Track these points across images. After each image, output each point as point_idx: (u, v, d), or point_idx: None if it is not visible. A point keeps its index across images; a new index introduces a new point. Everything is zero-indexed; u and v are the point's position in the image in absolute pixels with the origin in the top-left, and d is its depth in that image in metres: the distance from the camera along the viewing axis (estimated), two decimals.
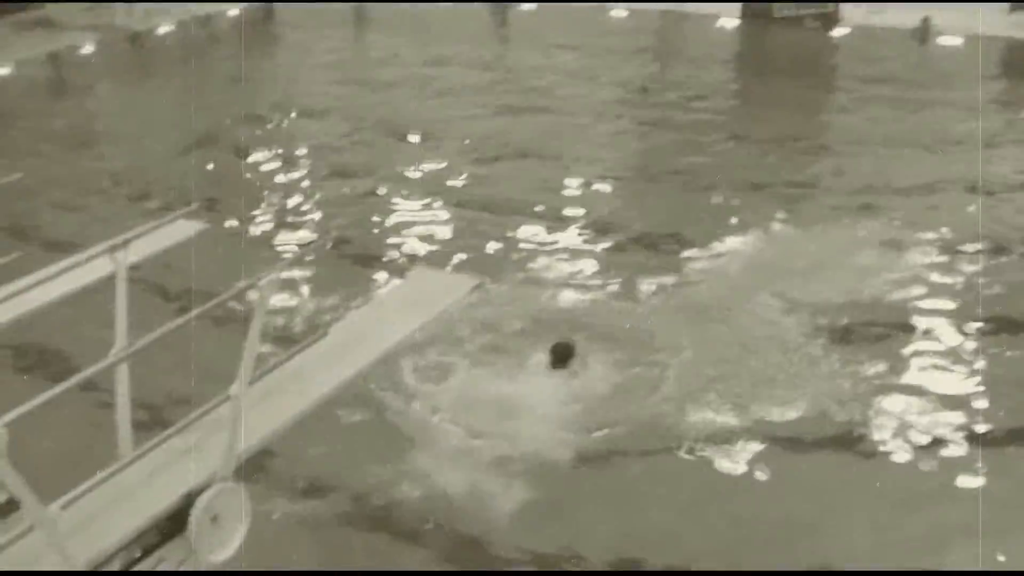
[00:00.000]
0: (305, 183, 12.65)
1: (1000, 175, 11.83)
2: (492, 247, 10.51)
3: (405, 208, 11.73)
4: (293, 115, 15.44)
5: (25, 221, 11.41)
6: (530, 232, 10.94)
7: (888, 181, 11.87)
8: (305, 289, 9.65)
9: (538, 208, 11.51)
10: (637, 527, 6.62)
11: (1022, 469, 7.07)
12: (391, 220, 11.44)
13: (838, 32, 18.76)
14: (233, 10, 21.43)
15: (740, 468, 7.07)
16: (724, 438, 7.31)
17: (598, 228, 11.01)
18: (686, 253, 10.19)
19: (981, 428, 7.37)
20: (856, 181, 11.91)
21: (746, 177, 12.16)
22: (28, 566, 3.75)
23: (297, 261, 10.21)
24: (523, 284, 9.74)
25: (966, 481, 6.90)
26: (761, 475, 7.00)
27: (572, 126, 14.43)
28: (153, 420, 6.46)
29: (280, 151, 13.86)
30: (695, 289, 9.50)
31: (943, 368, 8.14)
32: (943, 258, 9.89)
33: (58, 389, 3.71)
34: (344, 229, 11.14)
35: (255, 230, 11.28)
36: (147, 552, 4.05)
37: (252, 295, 4.28)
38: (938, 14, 17.86)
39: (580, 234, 10.90)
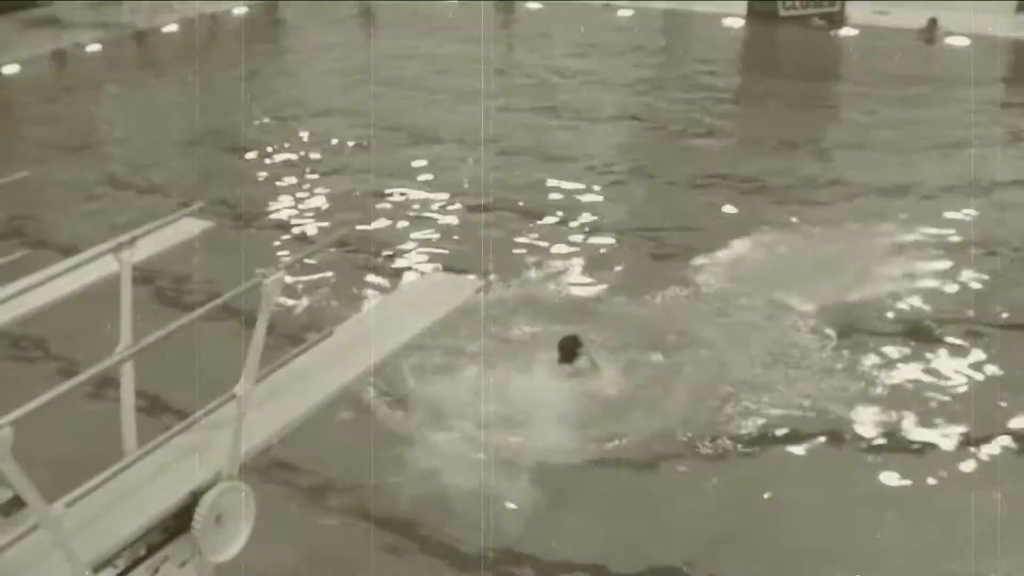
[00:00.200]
0: (311, 182, 12.65)
1: (1007, 176, 11.80)
2: (499, 247, 10.50)
3: (412, 208, 11.72)
4: (299, 113, 15.44)
5: (30, 219, 11.43)
6: (537, 232, 10.94)
7: (894, 181, 11.86)
8: (310, 288, 9.66)
9: (544, 208, 11.51)
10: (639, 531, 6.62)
11: None
12: (397, 220, 11.43)
13: (844, 32, 18.74)
14: (239, 8, 21.47)
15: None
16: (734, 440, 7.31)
17: (605, 228, 11.01)
18: (695, 258, 10.14)
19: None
20: (862, 181, 11.89)
21: (751, 177, 12.14)
22: (33, 564, 3.75)
23: (302, 260, 10.20)
24: (529, 284, 9.74)
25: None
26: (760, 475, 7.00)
27: (578, 125, 14.43)
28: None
29: (286, 149, 13.87)
30: (697, 290, 9.50)
31: (946, 370, 8.13)
32: (946, 260, 9.87)
33: (63, 387, 3.70)
34: (350, 228, 11.13)
35: (261, 228, 11.28)
36: (152, 550, 4.05)
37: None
38: (943, 14, 17.84)
39: (588, 234, 10.90)
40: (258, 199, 12.09)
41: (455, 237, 10.96)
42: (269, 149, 13.88)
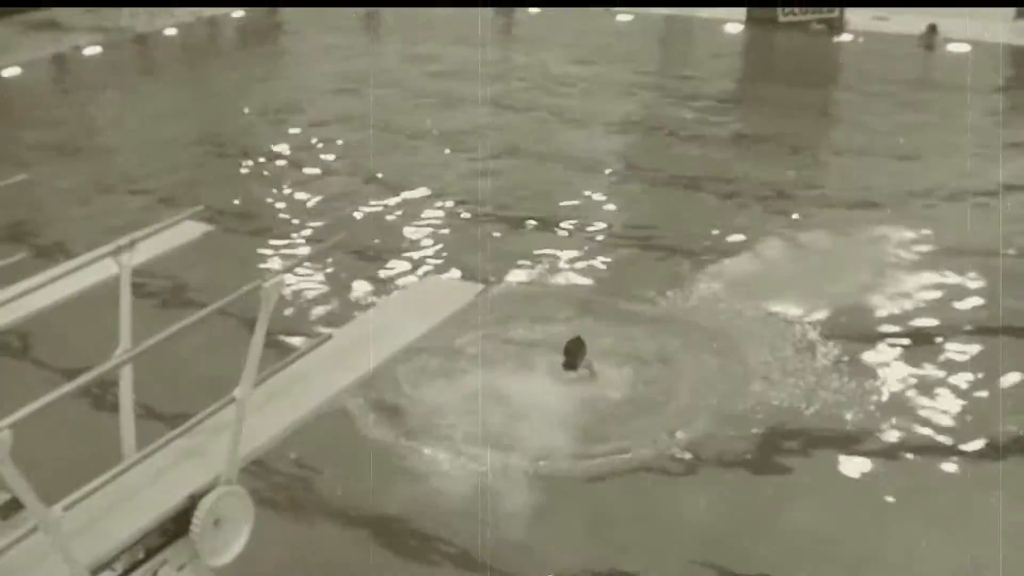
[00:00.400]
0: (311, 185, 12.64)
1: (1007, 182, 11.81)
2: (500, 251, 10.50)
3: (412, 211, 11.72)
4: (298, 117, 15.44)
5: (29, 222, 11.42)
6: (539, 236, 10.94)
7: (894, 187, 11.86)
8: (310, 292, 9.65)
9: (547, 211, 11.51)
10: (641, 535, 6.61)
11: None
12: (398, 224, 11.42)
13: (843, 38, 18.77)
14: (238, 12, 21.48)
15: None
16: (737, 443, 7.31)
17: (608, 233, 11.01)
18: (694, 262, 10.15)
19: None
20: (862, 187, 11.90)
21: (750, 182, 12.15)
22: (31, 567, 3.74)
23: (302, 263, 10.20)
24: (527, 287, 9.74)
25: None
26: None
27: (577, 129, 14.44)
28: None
29: (286, 153, 13.87)
30: (699, 291, 9.49)
31: (946, 376, 8.13)
32: (946, 265, 9.87)
33: (62, 391, 3.69)
34: (350, 232, 11.11)
35: (261, 232, 11.27)
36: (150, 554, 4.04)
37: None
38: (943, 21, 17.87)
39: (590, 237, 10.90)
40: (258, 201, 12.09)
41: (454, 241, 10.95)
42: (269, 151, 13.88)
